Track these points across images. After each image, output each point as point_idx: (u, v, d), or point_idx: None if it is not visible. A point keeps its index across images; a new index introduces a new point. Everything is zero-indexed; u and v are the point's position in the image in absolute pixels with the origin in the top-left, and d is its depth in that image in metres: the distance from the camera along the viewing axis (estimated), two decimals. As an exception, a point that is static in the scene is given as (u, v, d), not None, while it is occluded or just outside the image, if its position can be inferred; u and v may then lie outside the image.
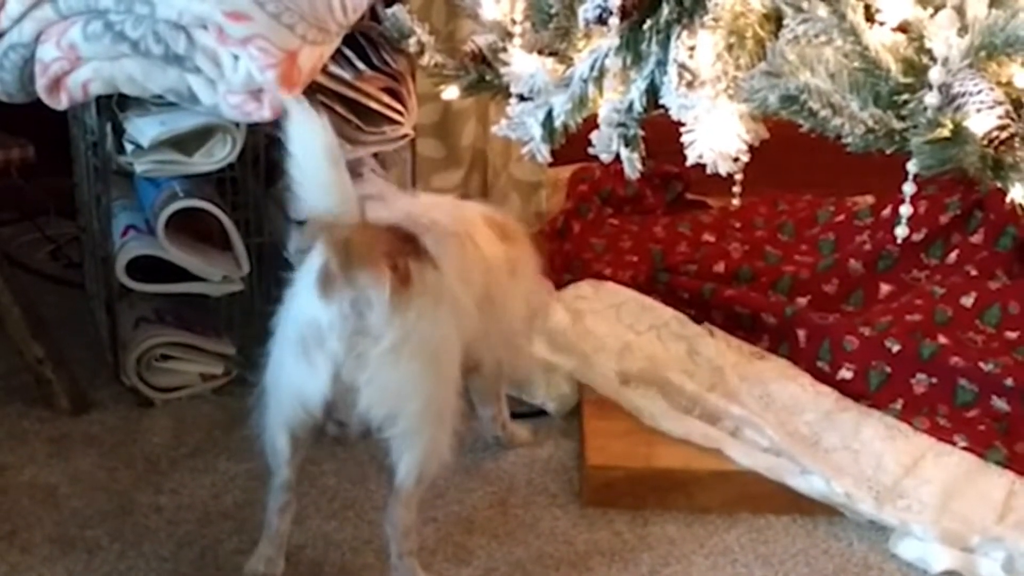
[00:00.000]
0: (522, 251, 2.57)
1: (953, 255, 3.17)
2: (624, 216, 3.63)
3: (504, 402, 2.77)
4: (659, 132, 2.35)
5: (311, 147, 2.07)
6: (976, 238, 3.17)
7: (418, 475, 2.28)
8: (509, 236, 2.54)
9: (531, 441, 2.81)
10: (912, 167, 2.04)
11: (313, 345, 2.19)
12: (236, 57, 2.56)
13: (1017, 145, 2.00)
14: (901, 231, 2.08)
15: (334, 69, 2.85)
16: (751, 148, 2.27)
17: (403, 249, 2.21)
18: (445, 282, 2.26)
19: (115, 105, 2.74)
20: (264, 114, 2.60)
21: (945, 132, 1.98)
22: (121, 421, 2.85)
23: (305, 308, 2.21)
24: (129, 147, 2.73)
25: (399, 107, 2.92)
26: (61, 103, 2.68)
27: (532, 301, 2.64)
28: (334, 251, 2.12)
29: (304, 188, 2.09)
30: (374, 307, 2.15)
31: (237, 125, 2.72)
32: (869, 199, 3.40)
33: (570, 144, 2.50)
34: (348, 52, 2.89)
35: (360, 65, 2.89)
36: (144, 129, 2.70)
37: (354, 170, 2.95)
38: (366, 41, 2.92)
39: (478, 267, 2.41)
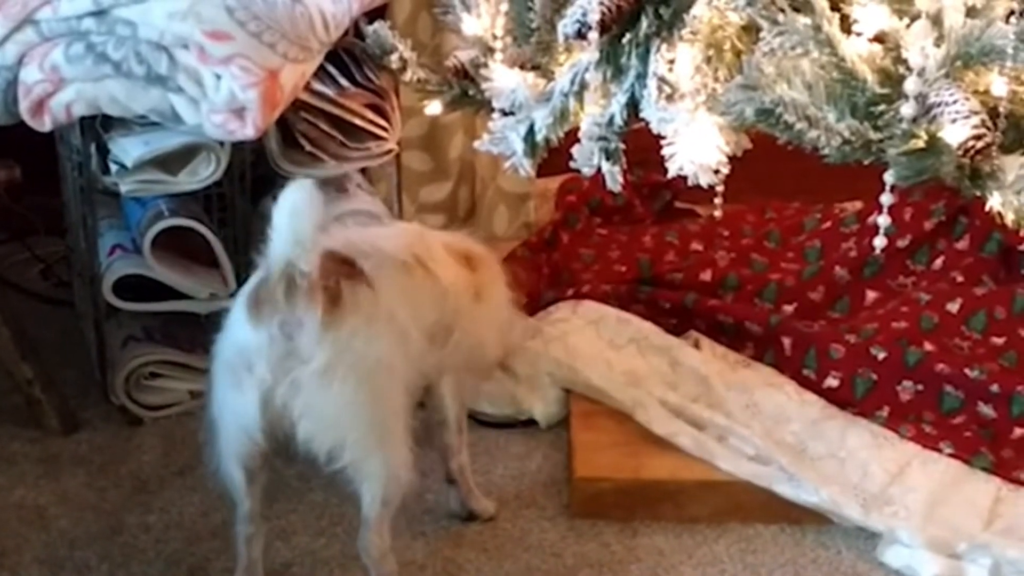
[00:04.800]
0: (488, 277, 2.51)
1: (939, 261, 3.17)
2: (613, 226, 3.63)
3: (464, 439, 2.61)
4: (647, 142, 2.35)
5: (302, 215, 2.08)
6: (961, 244, 3.17)
7: (381, 501, 2.26)
8: (473, 262, 2.49)
9: (492, 514, 2.65)
10: (889, 178, 2.05)
11: (242, 371, 2.17)
12: (218, 76, 2.57)
13: (994, 154, 2.01)
14: (879, 242, 2.09)
15: (317, 86, 2.85)
16: (740, 156, 2.28)
17: (336, 270, 2.19)
18: (381, 301, 2.22)
19: (99, 126, 2.75)
20: (247, 132, 2.60)
21: (920, 143, 1.99)
22: (110, 440, 2.85)
23: (235, 333, 2.20)
24: (114, 167, 2.74)
25: (383, 123, 2.92)
26: (45, 125, 2.69)
27: (503, 327, 2.58)
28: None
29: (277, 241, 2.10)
30: (304, 328, 2.13)
31: (221, 144, 2.73)
32: (857, 205, 3.41)
33: (558, 155, 2.51)
34: (331, 69, 2.90)
35: (343, 82, 2.90)
36: (128, 149, 2.71)
37: (341, 186, 2.97)
38: (349, 58, 2.93)
39: (428, 293, 2.36)
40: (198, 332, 3.00)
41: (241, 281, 2.87)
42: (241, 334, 2.18)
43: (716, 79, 2.23)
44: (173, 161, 2.75)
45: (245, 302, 2.18)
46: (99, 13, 2.59)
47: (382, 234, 2.47)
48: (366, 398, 2.20)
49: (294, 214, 2.08)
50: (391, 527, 2.31)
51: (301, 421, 2.17)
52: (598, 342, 2.96)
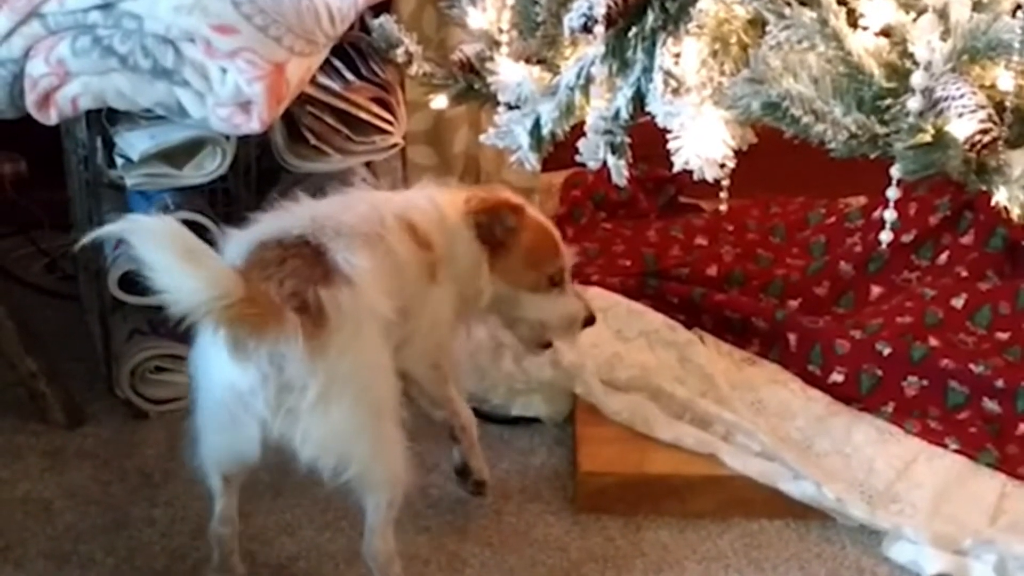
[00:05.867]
0: (446, 253, 2.39)
1: (943, 256, 3.17)
2: (617, 220, 3.63)
3: (458, 401, 2.57)
4: (652, 136, 2.35)
5: (160, 252, 1.98)
6: (966, 239, 3.17)
7: (387, 505, 2.26)
8: (422, 240, 2.35)
9: (486, 478, 2.64)
10: (896, 172, 2.04)
11: (238, 410, 2.13)
12: (224, 70, 2.57)
13: (1000, 148, 2.01)
14: (886, 236, 2.09)
15: (323, 80, 2.85)
16: (746, 151, 2.28)
17: (310, 277, 2.11)
18: (363, 299, 2.15)
19: (105, 119, 2.75)
20: (253, 126, 2.60)
21: (927, 137, 1.99)
22: (115, 434, 2.86)
23: (222, 373, 2.13)
24: (119, 161, 2.74)
25: (388, 117, 2.92)
26: (51, 118, 2.68)
27: (464, 307, 2.48)
28: (230, 331, 2.03)
29: (172, 291, 1.99)
30: (289, 360, 2.06)
31: (227, 137, 2.73)
32: (861, 200, 3.41)
33: (563, 149, 2.51)
34: (337, 63, 2.90)
35: (349, 75, 2.90)
36: (134, 143, 2.71)
37: (345, 180, 2.97)
38: (354, 52, 2.93)
39: (392, 269, 2.27)
40: (203, 326, 3.00)
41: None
42: (229, 374, 2.11)
43: (722, 73, 2.23)
44: (179, 155, 2.75)
45: (223, 343, 2.06)
46: (105, 6, 2.59)
47: (341, 206, 2.34)
48: (364, 412, 2.18)
49: (187, 256, 1.97)
50: (394, 524, 2.31)
51: (303, 447, 2.14)
52: (605, 332, 2.95)
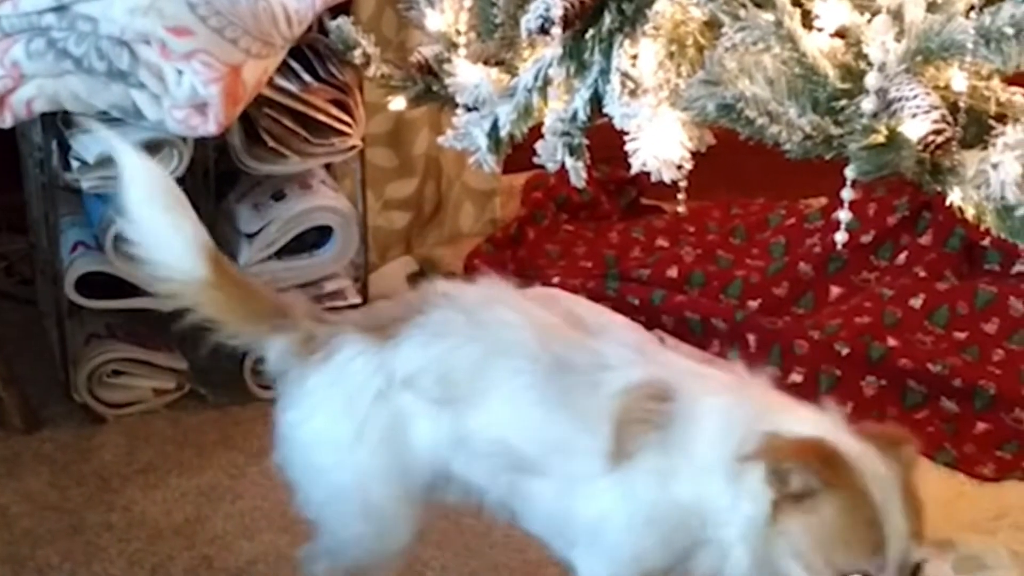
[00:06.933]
0: None
1: (902, 256, 3.19)
2: (579, 222, 3.64)
3: None
4: (614, 138, 2.35)
5: (149, 190, 1.96)
6: (925, 239, 3.19)
7: None
8: None
9: None
10: (850, 173, 2.05)
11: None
12: (180, 72, 2.56)
13: (954, 149, 2.01)
14: (840, 237, 2.09)
15: (280, 82, 2.84)
16: (706, 152, 2.28)
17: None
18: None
19: (60, 122, 2.73)
20: (210, 128, 2.59)
21: (881, 138, 1.99)
22: (73, 439, 2.84)
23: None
24: (75, 164, 2.72)
25: (347, 119, 2.92)
26: (5, 121, 2.67)
27: None
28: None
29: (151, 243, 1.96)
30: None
31: (184, 140, 2.71)
32: (822, 201, 3.42)
33: (525, 151, 2.50)
34: (294, 65, 2.89)
35: (307, 77, 2.89)
36: (90, 145, 2.69)
37: (304, 182, 2.96)
38: (312, 53, 2.92)
39: None
40: (161, 330, 2.99)
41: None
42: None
43: (679, 74, 2.23)
44: (135, 157, 2.74)
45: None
46: (60, 9, 2.58)
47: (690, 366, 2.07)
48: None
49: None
50: None
51: None
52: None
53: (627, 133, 2.27)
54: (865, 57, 2.07)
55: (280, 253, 2.94)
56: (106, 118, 2.69)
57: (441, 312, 2.03)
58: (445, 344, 2.01)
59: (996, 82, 2.08)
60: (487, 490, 2.06)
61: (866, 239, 3.19)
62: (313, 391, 2.04)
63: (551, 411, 1.97)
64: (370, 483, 2.05)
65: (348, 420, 2.03)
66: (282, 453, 2.11)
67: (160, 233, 1.99)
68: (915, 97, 1.98)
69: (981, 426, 2.78)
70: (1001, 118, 2.05)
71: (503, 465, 2.00)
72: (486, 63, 2.60)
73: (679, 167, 2.24)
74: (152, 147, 2.72)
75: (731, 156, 2.42)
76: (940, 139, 1.96)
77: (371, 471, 2.04)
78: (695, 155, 2.25)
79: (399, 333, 2.02)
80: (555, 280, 3.19)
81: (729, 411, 1.92)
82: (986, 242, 3.13)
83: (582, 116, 2.37)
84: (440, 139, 2.62)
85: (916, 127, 1.96)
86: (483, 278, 2.15)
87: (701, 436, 1.90)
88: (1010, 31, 1.92)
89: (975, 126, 2.07)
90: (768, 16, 2.09)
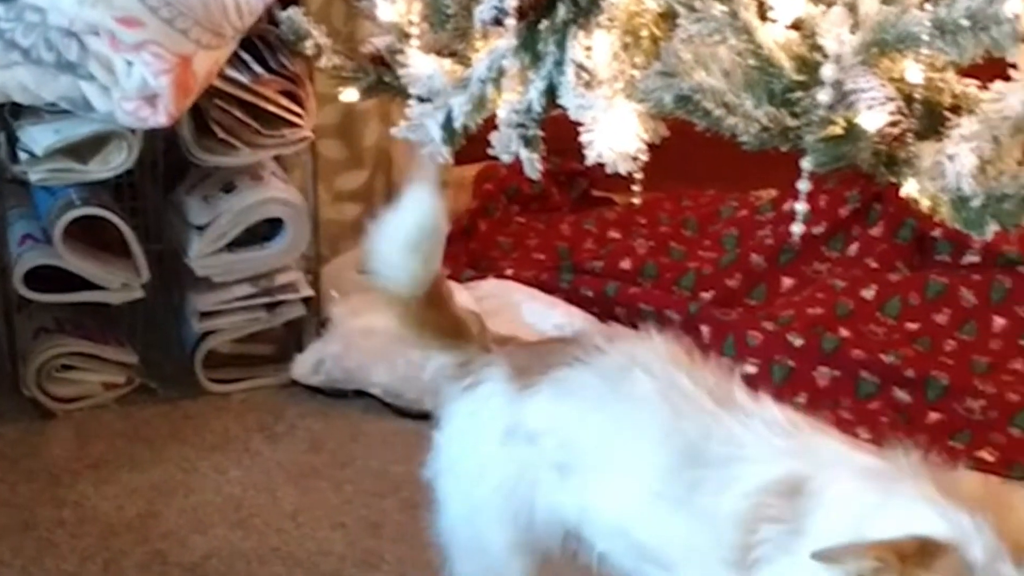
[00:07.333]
0: None
1: (854, 248, 3.20)
2: (531, 214, 3.63)
3: None
4: (565, 130, 2.34)
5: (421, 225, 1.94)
6: (876, 231, 3.20)
7: None
8: None
9: None
10: (806, 164, 2.05)
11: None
12: (130, 63, 2.52)
13: (909, 140, 2.02)
14: (797, 228, 2.09)
15: (231, 73, 2.82)
16: (658, 143, 2.27)
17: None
18: None
19: (8, 114, 2.70)
20: (160, 120, 2.56)
21: (837, 129, 1.99)
22: (22, 434, 2.81)
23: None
24: (23, 156, 2.69)
25: (297, 109, 2.89)
26: (-48, 113, 2.64)
27: None
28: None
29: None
30: None
31: (133, 131, 2.69)
32: (772, 193, 3.42)
33: (476, 143, 2.49)
34: (245, 56, 2.86)
35: (257, 68, 2.86)
36: (38, 138, 2.67)
37: (255, 174, 2.94)
38: (263, 44, 2.89)
39: None
40: (111, 323, 2.96)
41: (154, 271, 2.84)
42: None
43: (634, 66, 2.22)
44: (84, 149, 2.71)
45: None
46: (7, -1, 2.55)
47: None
48: None
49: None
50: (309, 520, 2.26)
51: None
52: (521, 327, 2.92)
53: (581, 125, 2.26)
54: (820, 49, 2.07)
55: (231, 245, 2.91)
56: (55, 109, 2.66)
57: (579, 372, 1.93)
58: (575, 409, 1.92)
59: (951, 74, 2.08)
60: (617, 565, 1.96)
61: (818, 230, 3.20)
62: (455, 417, 2.01)
63: (675, 508, 1.83)
64: (483, 523, 1.99)
65: (474, 456, 1.99)
66: (431, 469, 2.06)
67: (400, 267, 1.96)
68: (870, 89, 1.98)
69: (933, 416, 2.79)
70: (956, 110, 2.05)
71: (626, 548, 1.92)
72: (439, 54, 2.58)
73: (634, 159, 2.24)
74: (101, 139, 2.71)
75: (680, 147, 2.42)
76: (896, 131, 1.96)
77: (486, 511, 1.98)
78: (646, 147, 2.24)
79: (538, 383, 1.94)
80: (508, 272, 3.18)
81: (852, 504, 1.73)
82: (937, 233, 3.15)
83: (537, 107, 2.36)
84: (393, 130, 2.61)
85: (872, 119, 1.96)
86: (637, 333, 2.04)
87: (823, 532, 1.68)
88: (966, 23, 1.92)
89: (930, 118, 2.07)
90: (723, 7, 2.08)
